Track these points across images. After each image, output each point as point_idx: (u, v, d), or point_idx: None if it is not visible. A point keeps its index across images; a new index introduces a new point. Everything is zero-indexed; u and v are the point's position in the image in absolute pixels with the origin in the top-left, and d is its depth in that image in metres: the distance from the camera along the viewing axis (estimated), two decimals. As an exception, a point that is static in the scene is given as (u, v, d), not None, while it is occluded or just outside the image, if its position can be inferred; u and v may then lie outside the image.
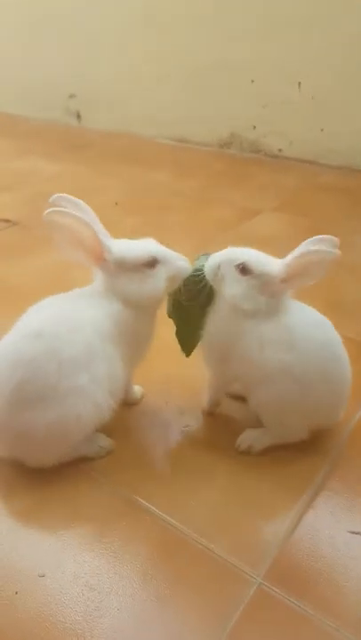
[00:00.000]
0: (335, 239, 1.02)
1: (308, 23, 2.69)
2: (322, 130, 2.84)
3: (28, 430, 0.97)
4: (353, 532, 0.95)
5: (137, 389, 1.23)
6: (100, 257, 1.02)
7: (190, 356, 1.14)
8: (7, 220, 2.22)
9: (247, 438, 1.11)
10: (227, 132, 3.14)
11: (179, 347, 1.14)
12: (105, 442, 1.09)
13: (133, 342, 1.07)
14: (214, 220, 2.24)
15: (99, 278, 1.06)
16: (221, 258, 1.03)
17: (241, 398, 1.19)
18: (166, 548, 0.91)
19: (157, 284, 1.03)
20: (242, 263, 1.00)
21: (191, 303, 1.07)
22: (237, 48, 2.92)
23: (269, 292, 1.01)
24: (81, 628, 0.79)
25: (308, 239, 1.02)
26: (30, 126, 3.72)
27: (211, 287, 1.05)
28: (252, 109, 3.00)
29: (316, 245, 1.00)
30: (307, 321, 1.05)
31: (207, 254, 1.07)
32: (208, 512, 0.98)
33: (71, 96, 3.72)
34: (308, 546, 0.93)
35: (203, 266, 1.05)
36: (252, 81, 2.95)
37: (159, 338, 1.18)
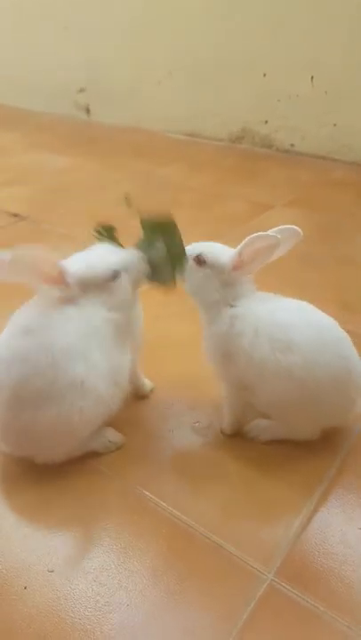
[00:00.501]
0: (296, 228, 1.04)
1: (322, 16, 2.65)
2: (335, 125, 2.81)
3: (32, 429, 0.96)
4: (365, 529, 0.94)
5: (146, 382, 1.23)
6: (60, 281, 0.98)
7: (199, 354, 1.11)
8: (16, 215, 2.21)
9: (256, 427, 1.11)
10: (238, 127, 3.11)
11: (190, 343, 1.14)
12: (114, 436, 1.08)
13: (127, 335, 1.05)
14: (225, 215, 2.22)
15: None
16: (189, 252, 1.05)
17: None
18: (176, 544, 0.91)
19: (125, 295, 1.04)
20: (198, 254, 1.03)
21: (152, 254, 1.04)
22: (249, 41, 2.89)
23: (223, 280, 1.03)
24: (90, 624, 0.79)
25: (274, 228, 1.02)
26: (40, 120, 3.72)
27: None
28: (263, 104, 2.98)
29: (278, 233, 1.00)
30: (304, 323, 1.02)
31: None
32: (219, 508, 0.97)
33: (81, 90, 3.71)
34: (320, 543, 0.91)
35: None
36: (265, 75, 2.92)
37: (169, 334, 1.17)
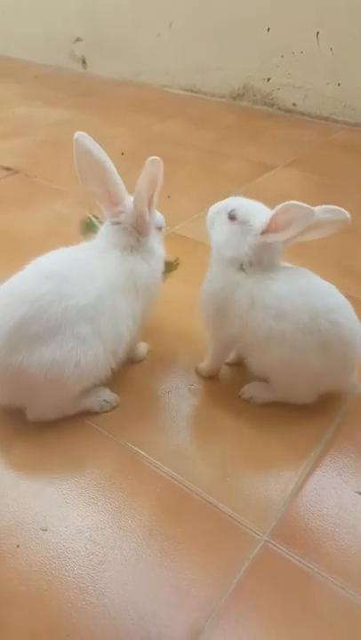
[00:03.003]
0: (343, 211, 1.01)
1: (332, -34, 2.53)
2: (339, 84, 2.71)
3: (24, 370, 0.94)
4: (360, 492, 0.94)
5: (143, 346, 1.20)
6: (148, 211, 1.03)
7: (198, 314, 1.11)
8: (8, 169, 2.14)
9: (251, 389, 1.10)
10: (239, 83, 3.00)
11: (187, 304, 1.15)
12: (110, 396, 1.07)
13: (145, 295, 1.06)
14: (227, 173, 2.16)
15: (119, 233, 1.05)
16: (220, 204, 1.05)
17: (238, 365, 1.18)
18: (171, 504, 0.90)
19: (161, 248, 1.14)
20: (231, 209, 1.02)
21: None
22: (254, -8, 2.76)
23: (249, 242, 1.00)
24: (84, 582, 0.78)
25: (319, 207, 0.99)
26: (35, 72, 3.58)
27: None
28: (266, 60, 2.86)
29: (325, 213, 1.00)
30: (298, 289, 1.00)
31: None
32: (214, 468, 0.96)
33: (77, 40, 3.56)
34: (315, 505, 0.91)
35: None
36: (268, 29, 2.80)
37: (168, 295, 1.15)
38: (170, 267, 1.24)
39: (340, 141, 2.56)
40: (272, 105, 2.95)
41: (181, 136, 2.55)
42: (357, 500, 0.92)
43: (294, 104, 2.88)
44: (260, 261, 1.01)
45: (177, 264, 1.26)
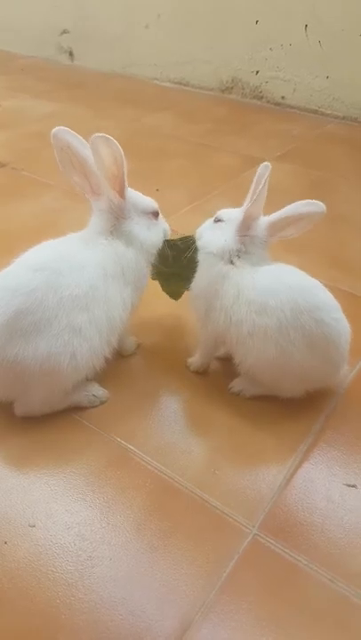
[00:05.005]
0: (319, 204, 1.02)
1: None
2: (327, 77, 2.71)
3: (19, 362, 0.93)
4: (348, 485, 0.94)
5: (132, 341, 1.20)
6: (120, 195, 1.01)
7: (188, 309, 1.12)
8: (-4, 161, 2.12)
9: (240, 383, 1.10)
10: (228, 76, 2.99)
11: (172, 305, 1.16)
12: (99, 391, 1.06)
13: (135, 282, 1.06)
14: (216, 167, 2.15)
15: (99, 219, 1.05)
16: (207, 221, 1.11)
17: (228, 359, 1.17)
18: (160, 498, 0.90)
19: (160, 234, 1.11)
20: (217, 215, 1.09)
21: (168, 269, 1.13)
22: (243, -17, 2.75)
23: (237, 230, 1.03)
24: (72, 578, 0.78)
25: (298, 201, 1.02)
26: (22, 64, 3.53)
27: (187, 255, 1.10)
28: (255, 52, 2.85)
29: (304, 206, 1.02)
30: (283, 285, 1.00)
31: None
32: (203, 462, 0.96)
33: (64, 32, 3.52)
34: (304, 498, 0.92)
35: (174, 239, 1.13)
36: (257, 22, 2.79)
37: (158, 288, 1.14)
38: (186, 242, 1.13)
39: (329, 134, 2.56)
40: (261, 98, 2.94)
41: (170, 129, 2.53)
42: (346, 492, 0.93)
43: (283, 97, 2.87)
44: (247, 251, 1.03)
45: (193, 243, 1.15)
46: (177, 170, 2.11)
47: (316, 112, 2.79)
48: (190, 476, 0.93)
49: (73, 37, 3.50)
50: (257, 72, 2.89)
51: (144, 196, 1.09)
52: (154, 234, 1.09)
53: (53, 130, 0.98)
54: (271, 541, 0.85)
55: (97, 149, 0.94)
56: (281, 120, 2.71)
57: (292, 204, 1.02)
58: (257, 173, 0.99)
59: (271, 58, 2.82)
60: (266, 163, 0.99)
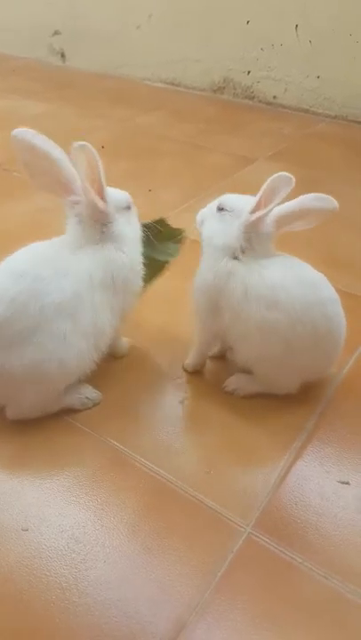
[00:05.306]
0: (333, 200, 1.01)
1: None
2: (318, 77, 2.71)
3: (5, 371, 0.92)
4: (342, 482, 0.94)
5: (125, 342, 1.19)
6: (99, 198, 0.97)
7: (181, 309, 1.13)
8: (-13, 163, 2.11)
9: (234, 381, 1.10)
10: (220, 77, 2.99)
11: (171, 298, 1.18)
12: (91, 393, 1.05)
13: (128, 288, 1.03)
14: (208, 167, 2.15)
15: (83, 226, 1.01)
16: (209, 205, 1.07)
17: (222, 358, 1.19)
18: (154, 499, 0.89)
19: (138, 222, 1.09)
20: (220, 202, 1.03)
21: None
22: (233, -17, 2.75)
23: (241, 224, 1.00)
24: (66, 581, 0.77)
25: (308, 194, 1.00)
26: (14, 64, 3.52)
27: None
28: (246, 53, 2.85)
29: (314, 200, 1.00)
30: (293, 279, 0.99)
31: None
32: (198, 462, 0.96)
33: (55, 33, 3.51)
34: (298, 495, 0.92)
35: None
36: (248, 22, 2.79)
37: (151, 289, 1.14)
38: (174, 233, 1.14)
39: (321, 133, 2.56)
40: (253, 98, 2.94)
41: (162, 129, 2.53)
42: (339, 489, 0.93)
43: (275, 97, 2.87)
44: (252, 247, 1.00)
45: (181, 234, 1.15)
46: (169, 170, 2.11)
47: (307, 111, 2.79)
48: (184, 476, 0.93)
49: (65, 38, 3.49)
50: (248, 72, 2.89)
51: (116, 191, 1.04)
52: (135, 226, 1.08)
53: (13, 131, 0.92)
54: (266, 540, 0.85)
55: (77, 159, 0.92)
56: (273, 119, 2.71)
57: (302, 197, 0.99)
58: (273, 182, 0.93)
59: (262, 58, 2.82)
60: (286, 174, 0.93)
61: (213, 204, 1.05)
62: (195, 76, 3.06)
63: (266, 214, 0.96)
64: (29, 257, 0.98)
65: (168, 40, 3.07)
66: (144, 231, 1.09)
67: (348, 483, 0.94)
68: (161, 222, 1.14)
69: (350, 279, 1.47)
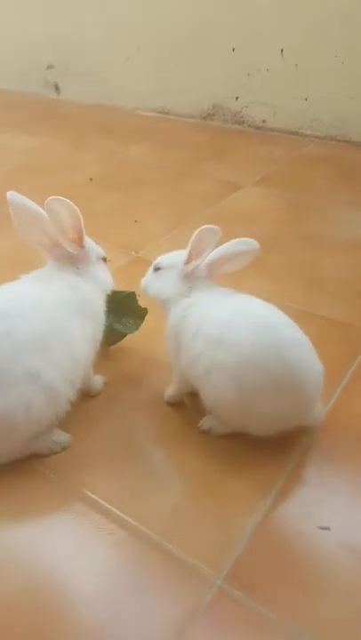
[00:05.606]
0: (253, 242, 1.05)
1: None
2: (306, 99, 2.72)
3: None
4: (322, 528, 0.89)
5: (98, 379, 1.16)
6: (79, 245, 1.07)
7: (157, 346, 1.15)
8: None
9: (210, 420, 1.06)
10: (209, 103, 3.01)
11: (151, 331, 1.19)
12: (60, 437, 1.02)
13: (94, 315, 1.06)
14: (195, 194, 2.14)
15: (59, 264, 1.08)
16: (147, 271, 1.15)
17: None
18: (123, 550, 0.85)
19: (110, 277, 1.16)
20: (155, 265, 1.13)
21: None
22: (217, 14, 2.78)
23: (178, 276, 1.08)
24: (32, 638, 0.73)
25: (233, 240, 1.06)
26: (9, 99, 3.59)
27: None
28: (234, 79, 2.88)
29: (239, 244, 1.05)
30: (243, 319, 0.97)
31: None
32: (170, 510, 0.92)
33: (49, 67, 3.57)
34: (275, 544, 0.86)
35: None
36: (234, 49, 2.82)
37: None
38: (139, 313, 1.24)
39: (310, 155, 2.56)
40: (242, 123, 2.95)
41: (151, 159, 2.54)
42: (320, 536, 0.87)
43: (264, 120, 2.88)
44: (196, 289, 1.06)
45: (145, 314, 1.25)
46: (156, 200, 2.11)
47: (296, 133, 2.79)
48: (155, 525, 0.89)
49: (58, 72, 3.56)
50: (237, 98, 2.91)
51: (94, 243, 1.14)
52: (107, 276, 1.15)
53: (8, 195, 1.03)
54: (237, 592, 0.80)
55: (53, 209, 0.99)
56: (262, 143, 2.71)
57: (227, 243, 1.05)
58: (199, 234, 1.00)
59: (250, 83, 2.84)
60: (211, 227, 1.00)
61: (150, 269, 1.14)
62: (184, 105, 3.09)
63: (199, 264, 1.04)
64: (3, 293, 0.99)
65: (157, 70, 3.11)
66: (111, 298, 1.15)
67: (328, 528, 0.88)
68: (131, 296, 1.23)
69: (333, 304, 1.43)
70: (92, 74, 3.39)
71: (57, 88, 3.62)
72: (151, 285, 1.13)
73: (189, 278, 1.07)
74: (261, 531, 0.88)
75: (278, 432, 1.01)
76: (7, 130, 2.96)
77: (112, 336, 1.21)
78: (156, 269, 1.12)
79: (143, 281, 1.15)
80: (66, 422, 1.03)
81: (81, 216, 1.03)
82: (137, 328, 1.24)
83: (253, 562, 0.84)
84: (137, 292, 1.23)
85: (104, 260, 1.16)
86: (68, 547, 0.86)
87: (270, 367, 0.92)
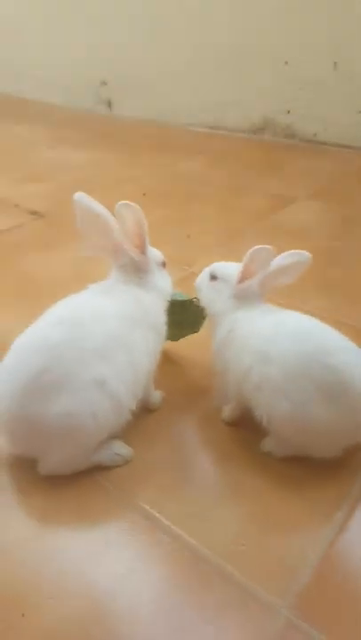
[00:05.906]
0: (305, 253, 1.05)
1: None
2: (359, 112, 2.69)
3: (39, 421, 0.91)
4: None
5: (157, 394, 1.16)
6: (142, 252, 1.07)
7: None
8: (34, 212, 2.18)
9: (269, 443, 1.04)
10: (260, 118, 3.02)
11: (205, 347, 1.16)
12: (123, 449, 1.02)
13: (156, 325, 1.08)
14: (246, 209, 2.14)
15: (123, 273, 1.10)
16: (204, 270, 1.16)
17: None
18: (182, 570, 0.84)
19: (170, 282, 1.18)
20: (211, 272, 1.13)
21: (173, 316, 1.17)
22: (269, 28, 2.79)
23: (231, 291, 1.08)
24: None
25: (284, 253, 1.06)
26: (63, 115, 3.69)
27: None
28: (285, 93, 2.87)
29: (288, 257, 1.05)
30: (287, 331, 0.98)
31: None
32: (230, 532, 0.90)
33: (102, 83, 3.66)
34: (341, 574, 0.83)
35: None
36: (286, 62, 2.82)
37: (183, 341, 1.11)
38: (200, 313, 1.20)
39: (363, 170, 2.52)
40: (293, 137, 2.94)
41: (202, 174, 2.56)
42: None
43: (315, 134, 2.86)
44: (245, 308, 1.07)
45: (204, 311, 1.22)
46: (208, 214, 2.11)
47: (348, 147, 2.76)
48: (215, 546, 0.87)
49: (111, 88, 3.64)
50: (288, 111, 2.90)
51: (155, 249, 1.16)
52: (167, 283, 1.16)
53: (75, 196, 1.03)
54: (304, 624, 0.77)
55: (121, 215, 1.01)
56: (313, 157, 2.69)
57: (277, 257, 1.04)
58: (252, 254, 1.01)
59: (302, 96, 2.83)
60: (265, 248, 1.00)
61: (207, 271, 1.15)
62: (235, 119, 3.10)
63: (252, 284, 1.05)
64: (66, 305, 1.02)
65: (208, 86, 3.14)
66: (171, 304, 1.16)
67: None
68: (190, 301, 1.23)
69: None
70: (143, 90, 3.45)
71: (110, 104, 3.70)
72: (204, 292, 1.14)
73: (241, 296, 1.08)
74: (326, 559, 0.86)
75: (340, 452, 0.99)
76: (62, 145, 3.04)
77: (175, 331, 1.22)
78: (213, 278, 1.13)
79: (198, 283, 1.17)
80: (128, 436, 1.03)
81: (146, 223, 1.04)
82: (200, 327, 1.25)
83: (320, 593, 0.81)
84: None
85: (163, 264, 1.18)
86: (125, 562, 0.85)
87: (317, 374, 0.91)
